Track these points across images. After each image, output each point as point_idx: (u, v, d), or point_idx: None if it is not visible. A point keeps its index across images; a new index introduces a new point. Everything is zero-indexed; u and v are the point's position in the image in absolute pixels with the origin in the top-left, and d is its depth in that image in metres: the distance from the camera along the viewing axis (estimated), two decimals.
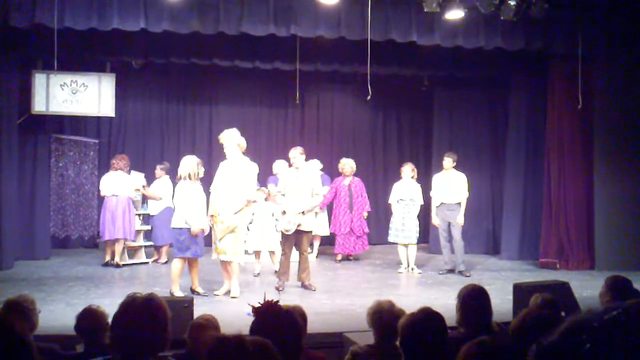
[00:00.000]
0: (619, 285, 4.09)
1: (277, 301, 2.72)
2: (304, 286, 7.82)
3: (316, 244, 10.41)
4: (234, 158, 7.42)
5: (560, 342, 0.97)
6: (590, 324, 0.96)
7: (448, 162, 9.16)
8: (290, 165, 8.19)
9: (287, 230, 7.68)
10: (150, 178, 10.17)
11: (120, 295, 2.56)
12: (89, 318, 3.51)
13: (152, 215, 9.85)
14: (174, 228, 7.33)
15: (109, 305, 3.59)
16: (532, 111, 10.25)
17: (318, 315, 6.08)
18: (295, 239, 7.76)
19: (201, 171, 7.45)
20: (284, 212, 7.77)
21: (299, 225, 7.67)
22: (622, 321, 0.94)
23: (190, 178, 7.26)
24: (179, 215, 7.27)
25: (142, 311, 2.33)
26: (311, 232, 8.13)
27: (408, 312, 3.08)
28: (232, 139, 7.41)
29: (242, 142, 7.50)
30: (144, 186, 9.86)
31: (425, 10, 7.89)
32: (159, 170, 9.95)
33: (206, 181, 7.84)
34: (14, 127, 9.10)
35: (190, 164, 7.34)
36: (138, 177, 9.89)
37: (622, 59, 9.25)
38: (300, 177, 7.86)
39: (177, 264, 7.27)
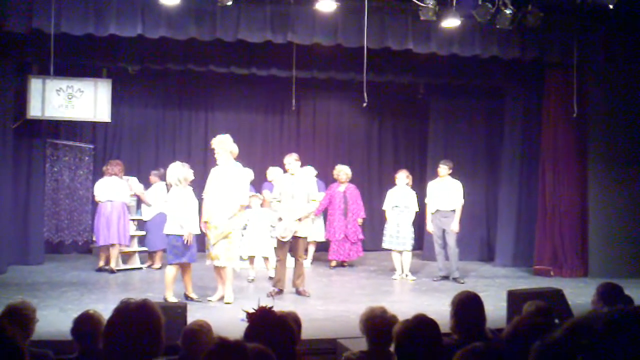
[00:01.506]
0: (611, 292, 4.11)
1: (271, 307, 2.72)
2: (298, 292, 7.82)
3: (311, 250, 10.40)
4: (226, 164, 7.43)
5: (562, 340, 0.99)
6: (591, 324, 0.98)
7: (443, 169, 9.18)
8: (285, 172, 8.20)
9: (283, 237, 7.68)
10: (144, 184, 10.17)
11: (113, 301, 2.56)
12: (87, 322, 3.50)
13: (146, 221, 9.83)
14: (168, 234, 7.30)
15: (103, 311, 3.57)
16: (528, 119, 10.29)
17: (312, 322, 6.06)
18: (290, 245, 7.77)
19: (190, 174, 7.44)
20: (280, 219, 7.77)
21: (295, 232, 7.67)
22: (621, 323, 0.97)
23: (180, 183, 7.26)
24: (173, 221, 7.25)
25: (135, 317, 2.32)
26: (306, 237, 8.13)
27: (401, 318, 3.09)
28: (224, 145, 7.41)
29: (235, 149, 7.51)
30: (136, 194, 9.83)
31: (421, 18, 7.93)
32: (153, 176, 9.94)
33: (200, 187, 7.84)
34: (9, 132, 9.08)
35: (177, 169, 7.33)
36: (134, 183, 9.86)
37: (617, 67, 9.31)
38: (296, 183, 7.87)
39: (171, 271, 7.25)
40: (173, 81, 11.29)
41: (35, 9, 7.71)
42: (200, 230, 7.39)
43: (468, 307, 3.47)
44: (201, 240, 7.82)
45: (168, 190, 7.82)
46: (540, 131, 9.91)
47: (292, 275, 7.93)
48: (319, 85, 11.22)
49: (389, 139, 12.66)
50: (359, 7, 7.96)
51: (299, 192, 7.80)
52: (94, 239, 9.80)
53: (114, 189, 9.41)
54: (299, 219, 7.69)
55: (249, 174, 8.47)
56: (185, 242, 7.14)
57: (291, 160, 7.94)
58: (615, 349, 0.96)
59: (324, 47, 8.66)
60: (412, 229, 9.23)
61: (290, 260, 8.04)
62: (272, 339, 2.51)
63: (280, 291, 7.74)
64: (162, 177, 9.79)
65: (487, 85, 10.80)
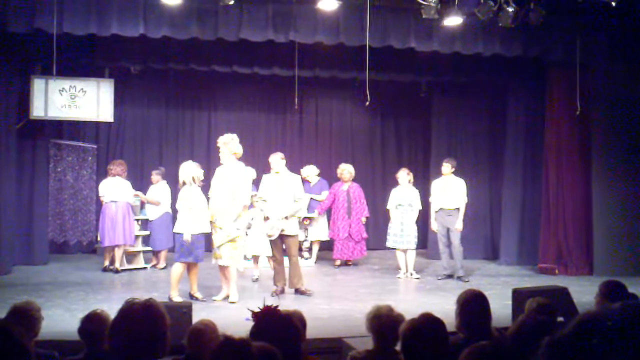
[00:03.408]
0: (614, 290, 4.06)
1: (277, 306, 2.72)
2: (298, 292, 7.80)
3: (315, 248, 10.42)
4: (229, 163, 7.44)
5: (571, 335, 0.99)
6: (600, 320, 0.98)
7: (447, 167, 9.18)
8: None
9: (270, 235, 7.70)
10: (146, 184, 10.17)
11: (118, 301, 2.56)
12: (94, 322, 3.50)
13: (151, 220, 9.84)
14: (178, 233, 7.31)
15: (108, 311, 3.58)
16: (531, 117, 10.28)
17: (317, 321, 6.06)
18: (282, 244, 7.76)
19: (201, 174, 7.47)
20: (267, 218, 7.78)
21: (282, 231, 7.67)
22: (630, 318, 0.97)
23: (195, 182, 7.29)
24: (184, 219, 7.25)
25: (140, 317, 2.32)
26: (297, 235, 8.09)
27: (407, 317, 3.08)
28: (228, 147, 7.42)
29: (238, 150, 7.51)
30: (135, 194, 9.83)
31: (423, 16, 7.90)
32: (155, 176, 9.95)
33: (203, 186, 7.84)
34: (12, 132, 9.10)
35: (192, 168, 7.38)
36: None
37: (620, 65, 9.27)
38: (281, 182, 7.87)
39: (177, 269, 7.25)
40: (175, 81, 11.30)
41: (37, 9, 7.72)
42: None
43: (473, 305, 3.46)
44: (208, 239, 7.83)
45: (171, 189, 7.82)
46: (544, 129, 9.89)
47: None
48: (321, 84, 11.21)
49: (392, 138, 12.65)
50: (361, 6, 7.94)
51: (284, 191, 7.80)
52: (98, 238, 9.82)
53: (117, 189, 9.42)
54: (286, 217, 7.69)
55: (251, 173, 8.48)
56: (187, 242, 7.15)
57: (276, 159, 7.95)
58: (630, 341, 0.96)
59: (326, 46, 8.65)
60: (416, 228, 9.22)
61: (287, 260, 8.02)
62: (277, 338, 2.50)
63: (282, 290, 7.75)
64: (164, 176, 9.83)
65: (490, 83, 10.79)
